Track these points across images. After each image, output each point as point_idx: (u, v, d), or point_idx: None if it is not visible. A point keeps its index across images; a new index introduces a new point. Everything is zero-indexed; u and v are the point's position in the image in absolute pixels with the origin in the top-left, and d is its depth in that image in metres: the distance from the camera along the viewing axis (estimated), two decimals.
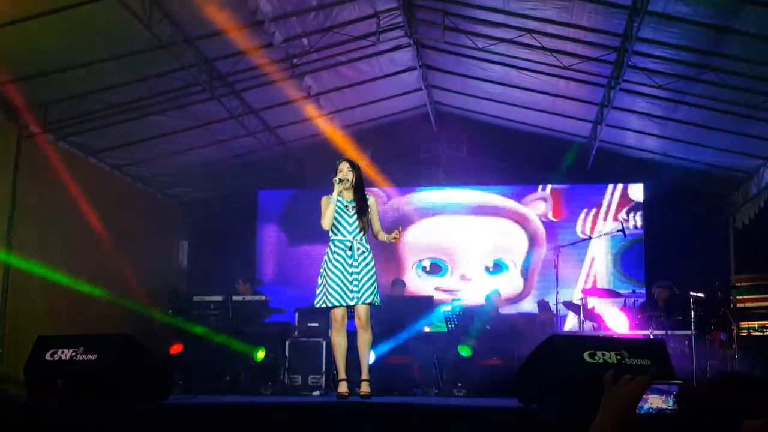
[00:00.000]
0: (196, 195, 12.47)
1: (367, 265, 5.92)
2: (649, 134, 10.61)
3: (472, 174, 12.13)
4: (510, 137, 11.63)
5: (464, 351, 8.64)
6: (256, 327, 9.08)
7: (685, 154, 10.82)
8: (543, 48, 8.61)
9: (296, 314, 9.00)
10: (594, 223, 11.89)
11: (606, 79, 9.19)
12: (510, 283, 11.84)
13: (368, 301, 5.85)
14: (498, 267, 11.99)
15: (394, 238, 6.10)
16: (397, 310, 8.62)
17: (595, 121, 10.59)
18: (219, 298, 9.24)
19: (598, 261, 11.78)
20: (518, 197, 12.16)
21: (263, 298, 9.47)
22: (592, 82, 9.44)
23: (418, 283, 11.91)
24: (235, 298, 9.28)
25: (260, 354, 8.69)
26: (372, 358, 7.13)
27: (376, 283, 5.92)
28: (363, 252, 5.95)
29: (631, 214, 11.81)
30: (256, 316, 9.24)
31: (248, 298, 9.42)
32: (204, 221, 12.56)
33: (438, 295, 10.96)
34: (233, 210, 12.33)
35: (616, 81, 8.88)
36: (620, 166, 11.54)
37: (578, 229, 11.85)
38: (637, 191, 11.87)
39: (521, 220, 12.09)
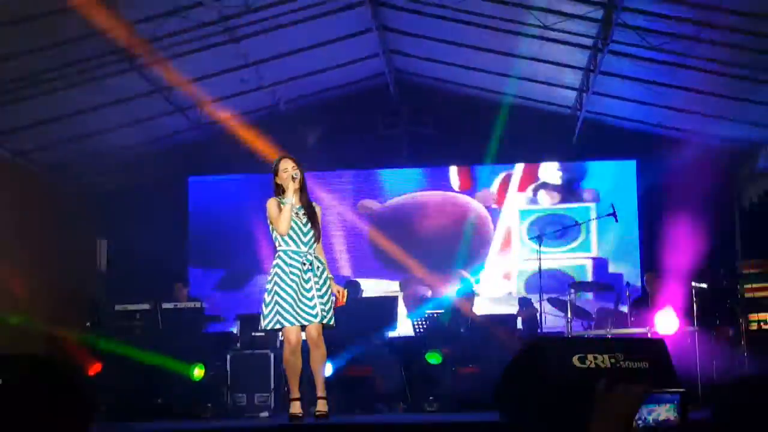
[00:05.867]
0: (115, 185, 12.32)
1: (326, 281, 5.99)
2: (641, 103, 10.76)
3: (439, 153, 12.18)
4: (483, 109, 11.67)
5: (433, 358, 8.69)
6: (192, 339, 9.02)
7: (683, 124, 10.98)
8: (521, 5, 8.66)
9: (238, 322, 8.96)
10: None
11: (592, 40, 9.28)
12: None
13: (324, 321, 5.90)
14: None
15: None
16: (355, 315, 8.62)
17: (581, 89, 10.70)
18: (146, 306, 9.15)
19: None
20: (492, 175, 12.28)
21: (198, 305, 9.41)
22: (576, 43, 9.53)
23: None
24: (165, 305, 9.19)
25: (198, 372, 8.59)
26: (329, 370, 7.16)
27: (331, 302, 6.01)
28: (319, 266, 6.00)
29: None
30: (191, 327, 9.17)
31: (180, 305, 9.35)
32: (125, 216, 12.42)
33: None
34: (159, 201, 12.20)
35: (603, 42, 8.97)
36: (610, 140, 11.67)
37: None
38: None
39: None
